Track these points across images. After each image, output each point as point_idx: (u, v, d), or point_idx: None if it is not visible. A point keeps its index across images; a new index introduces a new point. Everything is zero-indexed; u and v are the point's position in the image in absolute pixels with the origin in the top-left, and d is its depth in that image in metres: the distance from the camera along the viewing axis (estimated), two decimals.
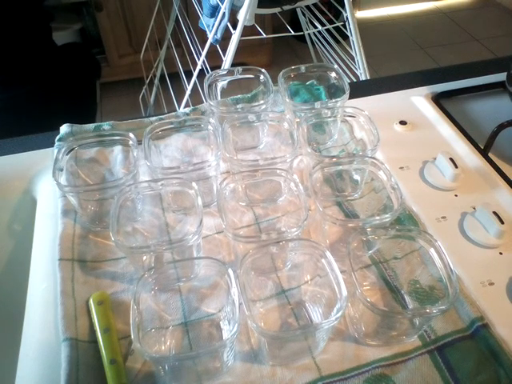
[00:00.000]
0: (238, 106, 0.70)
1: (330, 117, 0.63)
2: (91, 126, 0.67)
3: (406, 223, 0.56)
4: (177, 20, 1.58)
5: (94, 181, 0.62)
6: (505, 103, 0.74)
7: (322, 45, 1.52)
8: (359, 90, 0.77)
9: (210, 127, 0.61)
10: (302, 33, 1.48)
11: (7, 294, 0.63)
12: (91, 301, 0.49)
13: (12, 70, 1.12)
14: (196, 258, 0.52)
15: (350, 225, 0.50)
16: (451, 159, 0.60)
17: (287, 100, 0.64)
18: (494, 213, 0.54)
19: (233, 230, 0.49)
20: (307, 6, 1.32)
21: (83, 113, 1.30)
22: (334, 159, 0.55)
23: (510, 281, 0.51)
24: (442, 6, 2.84)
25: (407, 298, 0.50)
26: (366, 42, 1.31)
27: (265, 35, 1.14)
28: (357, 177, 0.60)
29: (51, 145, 0.66)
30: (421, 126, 0.70)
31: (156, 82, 1.81)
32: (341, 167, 0.56)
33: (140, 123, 0.68)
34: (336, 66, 0.68)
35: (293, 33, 1.18)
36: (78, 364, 0.44)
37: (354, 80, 1.30)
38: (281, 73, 0.67)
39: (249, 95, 0.72)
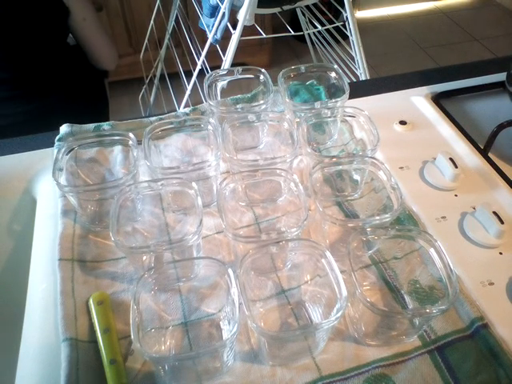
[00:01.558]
0: (237, 106, 0.70)
1: (329, 117, 0.63)
2: (91, 125, 0.67)
3: (405, 223, 0.56)
4: (177, 20, 1.58)
5: (93, 181, 0.62)
6: (505, 103, 0.74)
7: (322, 45, 1.52)
8: (359, 90, 0.77)
9: (209, 127, 0.61)
10: (301, 33, 1.47)
11: (7, 294, 0.63)
12: (91, 301, 0.49)
13: (31, 82, 1.12)
14: (196, 258, 0.52)
15: (350, 225, 0.50)
16: (451, 159, 0.60)
17: (287, 100, 0.64)
18: (494, 213, 0.54)
19: (233, 230, 0.49)
20: (307, 6, 1.32)
21: (96, 113, 1.30)
22: (334, 159, 0.55)
23: (510, 281, 0.51)
24: (442, 5, 2.84)
25: (407, 298, 0.50)
26: (366, 42, 1.31)
27: (265, 35, 1.14)
28: (357, 177, 0.60)
29: (51, 145, 0.66)
30: (421, 126, 0.70)
31: (156, 81, 1.81)
32: (341, 167, 0.56)
33: (140, 123, 0.68)
34: (336, 66, 0.68)
35: (293, 33, 1.18)
36: (77, 364, 0.44)
37: (354, 80, 1.30)
38: (281, 73, 0.67)
39: (249, 95, 0.72)
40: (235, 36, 1.07)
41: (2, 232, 0.66)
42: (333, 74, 0.69)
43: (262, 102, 0.63)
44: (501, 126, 0.66)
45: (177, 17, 1.57)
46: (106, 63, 1.29)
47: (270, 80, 0.67)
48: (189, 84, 1.21)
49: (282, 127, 0.64)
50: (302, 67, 0.69)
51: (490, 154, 0.66)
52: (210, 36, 1.11)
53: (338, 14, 1.54)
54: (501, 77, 0.75)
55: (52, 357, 0.46)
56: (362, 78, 1.29)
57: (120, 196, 0.51)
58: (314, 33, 1.58)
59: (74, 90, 1.19)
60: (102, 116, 1.31)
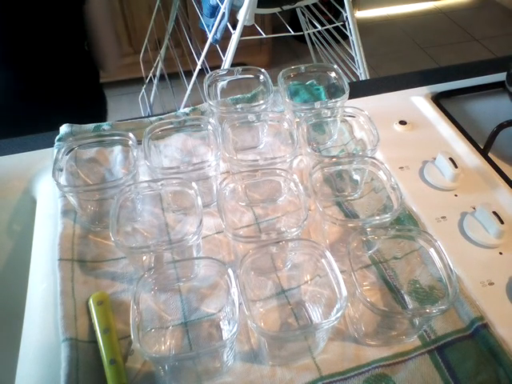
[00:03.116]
0: (237, 106, 0.70)
1: (329, 117, 0.63)
2: (91, 126, 0.67)
3: (405, 223, 0.56)
4: (177, 20, 1.58)
5: (93, 181, 0.62)
6: (505, 103, 0.74)
7: (322, 45, 1.52)
8: (359, 90, 0.77)
9: (209, 127, 0.61)
10: (301, 33, 1.47)
11: (7, 294, 0.63)
12: (91, 301, 0.49)
13: (38, 83, 1.11)
14: (196, 258, 0.52)
15: (350, 225, 0.50)
16: (451, 159, 0.60)
17: (287, 100, 0.64)
18: (494, 213, 0.54)
19: (233, 230, 0.49)
20: (307, 6, 1.32)
21: (97, 112, 1.29)
22: (334, 159, 0.55)
23: (510, 281, 0.51)
24: (442, 5, 2.84)
25: (407, 298, 0.50)
26: (366, 42, 1.32)
27: (264, 35, 1.14)
28: (357, 177, 0.60)
29: (51, 145, 0.66)
30: (421, 126, 0.70)
31: (156, 82, 1.81)
32: (341, 167, 0.56)
33: (140, 123, 0.68)
34: (336, 66, 0.68)
35: (292, 33, 1.18)
36: (77, 364, 0.44)
37: (354, 80, 1.30)
38: (280, 73, 0.67)
39: (249, 95, 0.72)
40: (235, 36, 1.07)
41: (2, 232, 0.66)
42: (333, 74, 0.69)
43: (261, 101, 0.63)
44: (501, 126, 0.66)
45: (177, 17, 1.57)
46: (108, 62, 1.28)
47: (269, 80, 0.67)
48: (189, 84, 1.21)
49: (281, 127, 0.64)
50: (302, 67, 0.69)
51: (489, 154, 0.66)
52: (210, 36, 1.12)
53: (337, 14, 1.54)
54: (501, 77, 0.75)
55: (52, 357, 0.46)
56: (362, 77, 1.29)
57: (120, 196, 0.51)
58: (313, 33, 1.58)
59: (70, 93, 1.18)
60: (102, 114, 1.31)
